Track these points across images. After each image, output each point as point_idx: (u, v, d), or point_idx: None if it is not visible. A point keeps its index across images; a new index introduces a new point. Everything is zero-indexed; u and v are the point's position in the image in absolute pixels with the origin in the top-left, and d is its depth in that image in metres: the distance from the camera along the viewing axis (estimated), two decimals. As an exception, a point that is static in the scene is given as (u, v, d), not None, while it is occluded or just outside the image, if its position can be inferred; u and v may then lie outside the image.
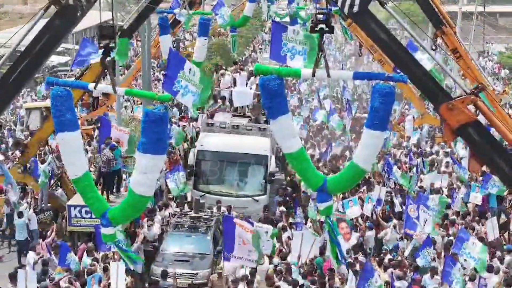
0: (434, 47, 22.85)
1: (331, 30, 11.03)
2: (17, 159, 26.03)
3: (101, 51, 11.47)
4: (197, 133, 29.82)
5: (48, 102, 31.66)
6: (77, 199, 21.46)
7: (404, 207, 23.23)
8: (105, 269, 18.37)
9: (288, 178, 26.85)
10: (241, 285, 18.23)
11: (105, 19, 12.26)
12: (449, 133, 13.54)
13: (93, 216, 20.45)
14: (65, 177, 25.36)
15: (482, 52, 58.87)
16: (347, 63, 58.89)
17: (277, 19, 50.03)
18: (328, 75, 10.85)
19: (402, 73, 12.10)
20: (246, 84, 30.23)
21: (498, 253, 20.06)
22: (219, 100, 29.17)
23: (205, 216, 22.16)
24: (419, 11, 25.78)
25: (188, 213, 22.54)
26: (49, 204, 24.73)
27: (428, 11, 22.69)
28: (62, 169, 25.57)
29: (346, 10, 12.98)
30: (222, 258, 19.30)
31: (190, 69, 11.10)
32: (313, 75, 10.90)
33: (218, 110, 28.09)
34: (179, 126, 30.00)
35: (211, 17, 25.43)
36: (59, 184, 26.23)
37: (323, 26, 10.98)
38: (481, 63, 49.65)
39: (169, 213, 22.96)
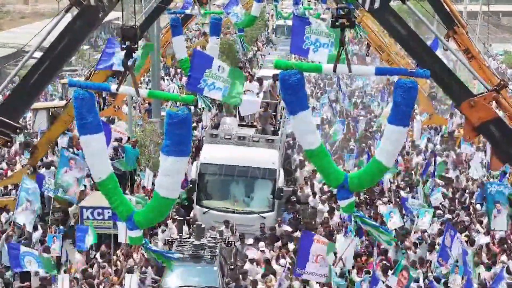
0: (444, 48, 22.67)
1: (352, 24, 10.90)
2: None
3: (122, 52, 11.37)
4: (199, 141, 28.75)
5: (55, 103, 31.64)
6: (89, 201, 21.40)
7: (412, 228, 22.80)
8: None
9: (290, 188, 25.01)
10: None
11: (111, 18, 12.17)
12: (471, 131, 13.48)
13: (105, 218, 20.66)
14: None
15: (487, 53, 58.56)
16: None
17: (281, 20, 49.97)
18: (350, 70, 10.69)
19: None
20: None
21: None
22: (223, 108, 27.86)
23: (209, 244, 19.68)
24: (425, 10, 25.50)
25: (189, 239, 19.98)
26: (57, 206, 24.63)
27: (439, 10, 22.50)
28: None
29: (366, 6, 12.92)
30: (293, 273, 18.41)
31: (219, 67, 10.98)
32: (334, 70, 10.70)
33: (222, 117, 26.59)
34: None
35: (223, 16, 25.13)
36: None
37: (344, 20, 10.82)
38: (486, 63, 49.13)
39: (165, 239, 20.67)
